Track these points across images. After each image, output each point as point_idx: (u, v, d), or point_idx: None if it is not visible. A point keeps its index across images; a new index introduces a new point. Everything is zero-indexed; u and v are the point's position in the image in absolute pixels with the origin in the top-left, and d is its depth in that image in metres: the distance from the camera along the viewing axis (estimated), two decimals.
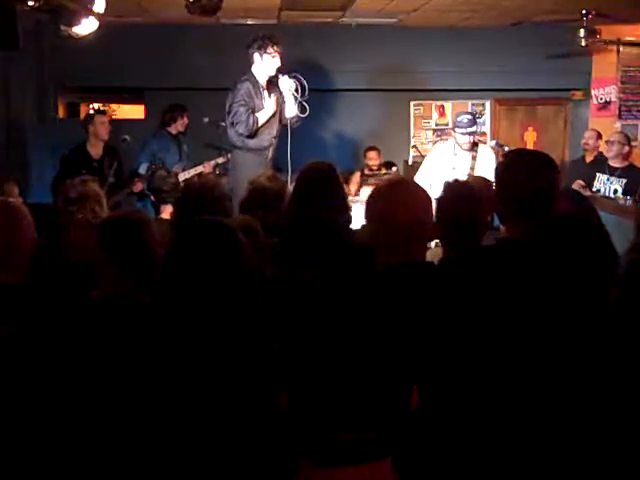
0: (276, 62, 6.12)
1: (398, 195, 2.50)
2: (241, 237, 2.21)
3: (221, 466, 1.90)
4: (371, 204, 2.56)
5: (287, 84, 6.08)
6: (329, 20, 8.63)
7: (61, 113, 9.60)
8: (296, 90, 6.06)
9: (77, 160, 6.65)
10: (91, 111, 9.09)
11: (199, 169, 7.29)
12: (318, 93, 8.79)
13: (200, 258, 2.10)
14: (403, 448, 1.45)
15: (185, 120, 7.82)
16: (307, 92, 6.10)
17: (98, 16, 5.78)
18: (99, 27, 5.85)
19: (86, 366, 2.24)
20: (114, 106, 11.24)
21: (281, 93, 6.16)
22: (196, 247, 2.13)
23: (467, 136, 6.05)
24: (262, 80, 6.18)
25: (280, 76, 6.13)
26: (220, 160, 7.38)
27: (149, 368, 2.01)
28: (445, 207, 3.32)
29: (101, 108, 10.94)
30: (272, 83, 6.20)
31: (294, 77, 6.12)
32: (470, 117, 6.14)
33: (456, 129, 6.11)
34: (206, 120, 7.81)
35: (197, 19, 6.90)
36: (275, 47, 6.08)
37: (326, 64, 8.87)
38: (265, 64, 6.12)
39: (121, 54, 8.39)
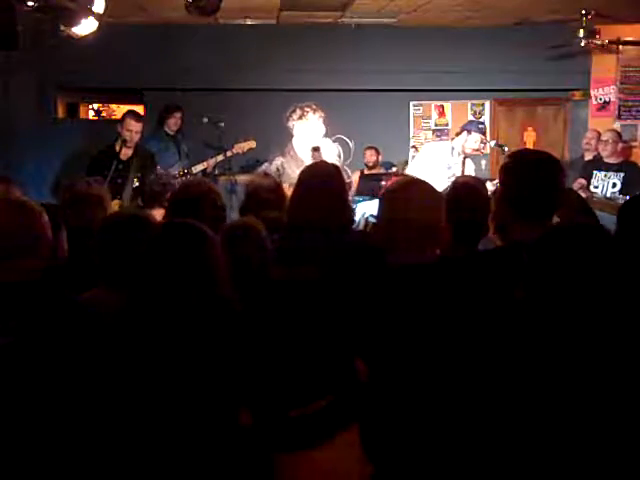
0: (320, 128, 5.63)
1: (412, 194, 2.48)
2: (212, 238, 2.24)
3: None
4: (385, 203, 2.54)
5: (330, 151, 5.59)
6: (329, 20, 8.64)
7: (60, 113, 9.59)
8: (338, 156, 5.69)
9: (105, 160, 6.39)
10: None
11: (199, 167, 7.30)
12: (317, 93, 8.82)
13: (168, 259, 2.16)
14: (369, 433, 1.46)
15: (177, 120, 7.79)
16: (351, 154, 5.78)
17: (97, 16, 5.78)
18: (98, 27, 5.85)
19: (61, 369, 2.24)
20: (113, 106, 11.24)
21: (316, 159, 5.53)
22: (164, 249, 2.19)
23: (479, 141, 6.06)
24: (302, 151, 5.60)
25: (323, 142, 5.61)
26: (220, 158, 7.40)
27: (114, 374, 2.05)
28: (450, 204, 3.32)
29: (100, 108, 10.96)
30: (317, 151, 5.52)
31: (337, 141, 5.73)
32: (485, 124, 6.30)
33: (473, 132, 6.05)
34: (205, 120, 7.83)
35: (196, 19, 6.90)
36: (319, 112, 5.61)
37: (325, 64, 8.86)
38: (307, 131, 5.61)
39: (120, 54, 8.38)
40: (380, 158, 9.00)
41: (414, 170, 6.15)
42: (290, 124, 5.63)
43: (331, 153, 5.55)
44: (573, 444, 1.86)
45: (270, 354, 1.33)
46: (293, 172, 5.43)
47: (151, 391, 2.01)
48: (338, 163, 5.49)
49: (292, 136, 5.65)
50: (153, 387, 2.01)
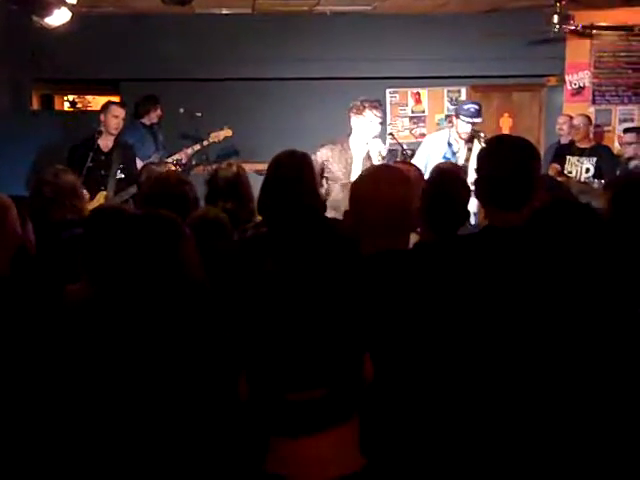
0: (374, 127, 5.45)
1: (381, 178, 2.47)
2: (182, 228, 2.26)
3: (189, 454, 1.93)
4: (355, 188, 2.54)
5: (377, 148, 5.41)
6: (304, 9, 8.62)
7: (35, 105, 9.52)
8: (389, 152, 5.61)
9: (85, 151, 6.25)
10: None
11: (176, 158, 7.28)
12: (293, 82, 8.82)
13: (141, 252, 2.17)
14: (369, 431, 1.48)
15: (159, 111, 7.85)
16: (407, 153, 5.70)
17: (70, 7, 5.74)
18: (73, 18, 5.81)
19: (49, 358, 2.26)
20: (89, 98, 11.16)
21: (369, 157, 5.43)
22: (138, 241, 2.21)
23: (470, 125, 5.92)
24: (355, 147, 5.45)
25: (372, 139, 5.44)
26: (197, 148, 7.39)
27: (99, 363, 2.06)
28: (427, 191, 3.36)
29: (75, 100, 10.87)
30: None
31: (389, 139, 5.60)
32: (477, 107, 5.99)
33: (461, 117, 5.94)
34: (182, 110, 7.82)
35: (171, 9, 6.87)
36: (375, 110, 5.46)
37: (301, 53, 8.84)
38: (362, 127, 5.46)
39: (95, 45, 8.32)
40: None
41: (416, 163, 5.80)
42: (350, 118, 5.50)
43: (378, 151, 5.39)
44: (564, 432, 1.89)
45: (271, 337, 1.33)
46: (339, 170, 5.34)
47: (137, 381, 2.02)
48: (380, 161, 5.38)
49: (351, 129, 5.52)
50: (138, 376, 2.02)
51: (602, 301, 1.98)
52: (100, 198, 6.14)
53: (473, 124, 5.95)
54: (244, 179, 4.19)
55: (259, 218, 3.68)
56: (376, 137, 5.45)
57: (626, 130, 7.67)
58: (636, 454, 1.91)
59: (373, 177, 2.50)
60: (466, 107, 6.00)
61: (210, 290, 2.34)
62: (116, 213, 2.93)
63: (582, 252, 1.99)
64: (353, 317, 1.40)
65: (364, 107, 5.42)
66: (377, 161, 5.31)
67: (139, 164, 6.96)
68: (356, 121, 5.47)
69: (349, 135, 5.50)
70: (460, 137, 6.00)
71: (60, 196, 3.86)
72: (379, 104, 5.55)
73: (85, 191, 4.53)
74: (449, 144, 6.04)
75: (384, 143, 5.65)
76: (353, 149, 5.42)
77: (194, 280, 2.20)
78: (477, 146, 5.95)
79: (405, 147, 6.92)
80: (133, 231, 2.27)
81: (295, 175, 3.36)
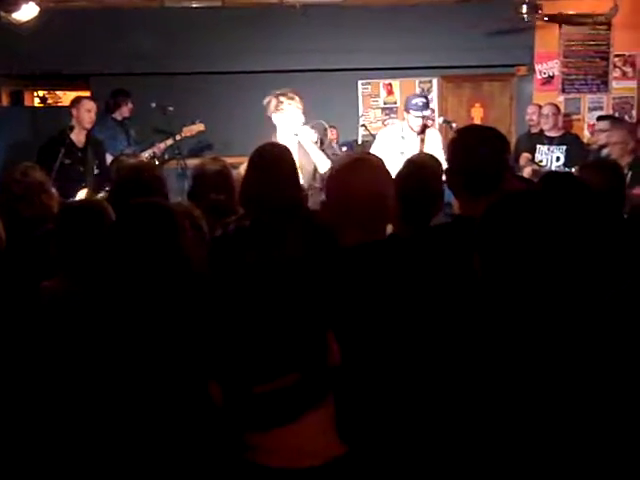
0: (297, 118, 5.31)
1: (359, 169, 2.47)
2: (179, 218, 2.26)
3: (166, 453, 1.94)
4: (331, 180, 2.54)
5: (307, 135, 5.28)
6: (274, 1, 8.60)
7: (5, 101, 9.43)
8: (320, 141, 5.38)
9: (58, 147, 6.11)
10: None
11: (149, 152, 7.26)
12: (264, 75, 8.80)
13: (137, 239, 2.15)
14: (347, 418, 1.49)
15: (130, 105, 7.82)
16: (327, 141, 5.54)
17: (38, 1, 5.70)
18: (41, 12, 5.77)
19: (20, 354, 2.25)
20: (60, 93, 11.06)
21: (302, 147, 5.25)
22: (133, 228, 2.18)
23: (420, 119, 6.01)
24: (285, 140, 5.07)
25: (299, 129, 5.28)
26: (169, 142, 7.37)
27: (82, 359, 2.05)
28: (400, 182, 3.37)
29: (46, 95, 10.78)
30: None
31: (316, 126, 5.41)
32: (424, 100, 6.08)
33: (411, 111, 6.02)
34: (153, 105, 7.79)
35: (141, 2, 6.83)
36: (295, 101, 5.30)
37: (272, 45, 8.82)
38: (285, 122, 5.31)
39: (65, 40, 8.25)
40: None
41: None
42: (269, 115, 5.37)
43: (309, 139, 5.28)
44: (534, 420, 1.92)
45: (237, 329, 1.33)
46: None
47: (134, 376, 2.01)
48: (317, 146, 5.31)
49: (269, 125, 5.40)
50: (132, 373, 2.02)
51: (571, 289, 2.00)
52: (82, 194, 6.10)
53: (422, 117, 6.03)
54: (230, 172, 4.23)
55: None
56: (304, 124, 5.33)
57: (600, 118, 7.71)
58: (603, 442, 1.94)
59: (350, 168, 2.50)
60: (414, 102, 6.05)
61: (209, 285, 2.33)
62: (99, 208, 2.93)
63: (547, 239, 2.01)
64: (320, 302, 1.40)
65: (281, 102, 5.29)
66: (311, 148, 5.23)
67: (109, 160, 6.93)
68: (278, 118, 5.33)
69: (275, 131, 5.38)
70: (412, 130, 6.07)
71: (29, 194, 3.86)
72: (296, 93, 5.39)
73: (54, 189, 4.49)
74: (403, 138, 6.09)
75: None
76: (284, 140, 5.16)
77: (193, 271, 2.19)
78: (430, 136, 6.08)
79: None
80: (129, 220, 2.25)
81: (277, 167, 3.39)
